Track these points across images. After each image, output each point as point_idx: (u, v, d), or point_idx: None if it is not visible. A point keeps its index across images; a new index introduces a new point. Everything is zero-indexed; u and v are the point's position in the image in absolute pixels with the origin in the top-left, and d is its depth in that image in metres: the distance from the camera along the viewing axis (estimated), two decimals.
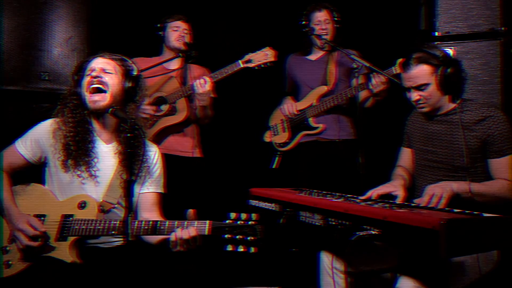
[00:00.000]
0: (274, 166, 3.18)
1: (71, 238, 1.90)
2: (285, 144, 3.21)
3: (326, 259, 2.17)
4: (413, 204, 1.87)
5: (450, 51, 2.77)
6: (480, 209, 1.68)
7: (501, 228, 1.46)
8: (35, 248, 1.87)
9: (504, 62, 2.71)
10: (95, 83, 2.00)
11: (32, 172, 2.08)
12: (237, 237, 1.81)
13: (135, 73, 2.11)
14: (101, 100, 2.00)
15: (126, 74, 2.09)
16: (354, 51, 3.03)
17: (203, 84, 2.83)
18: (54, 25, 2.80)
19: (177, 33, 3.08)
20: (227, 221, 1.84)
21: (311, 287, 2.47)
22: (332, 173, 3.02)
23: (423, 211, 1.58)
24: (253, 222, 1.82)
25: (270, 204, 2.08)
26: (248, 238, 1.80)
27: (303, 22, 3.15)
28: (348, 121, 3.14)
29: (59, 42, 2.81)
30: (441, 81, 2.05)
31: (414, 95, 2.12)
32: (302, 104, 3.17)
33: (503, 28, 2.71)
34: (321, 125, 3.09)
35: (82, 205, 1.95)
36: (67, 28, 2.84)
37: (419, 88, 2.09)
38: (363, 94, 2.96)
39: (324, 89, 3.11)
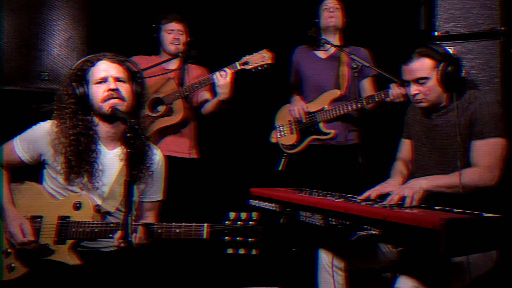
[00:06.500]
0: (280, 168, 3.11)
1: (70, 241, 1.88)
2: (293, 146, 3.13)
3: (325, 257, 2.17)
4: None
5: (450, 50, 2.76)
6: (479, 208, 1.67)
7: (501, 228, 1.46)
8: (30, 251, 1.86)
9: (504, 62, 2.71)
10: (114, 97, 1.90)
11: (27, 169, 2.03)
12: (238, 239, 1.74)
13: (139, 75, 2.03)
14: (120, 104, 1.91)
15: (133, 78, 2.01)
16: (365, 50, 3.02)
17: (224, 76, 2.80)
18: (54, 25, 2.79)
19: (171, 35, 3.04)
20: (226, 222, 1.78)
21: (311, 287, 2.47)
22: (338, 176, 2.94)
23: (423, 210, 1.58)
24: (253, 223, 1.76)
25: (270, 204, 2.07)
26: (249, 239, 1.74)
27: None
28: (355, 125, 3.07)
29: (59, 42, 2.81)
30: (441, 77, 2.02)
31: (413, 89, 2.07)
32: (312, 107, 3.07)
33: (503, 28, 2.71)
34: (332, 131, 3.00)
35: (78, 206, 1.92)
36: (67, 28, 2.84)
37: (419, 81, 2.05)
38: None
39: (337, 93, 3.01)
